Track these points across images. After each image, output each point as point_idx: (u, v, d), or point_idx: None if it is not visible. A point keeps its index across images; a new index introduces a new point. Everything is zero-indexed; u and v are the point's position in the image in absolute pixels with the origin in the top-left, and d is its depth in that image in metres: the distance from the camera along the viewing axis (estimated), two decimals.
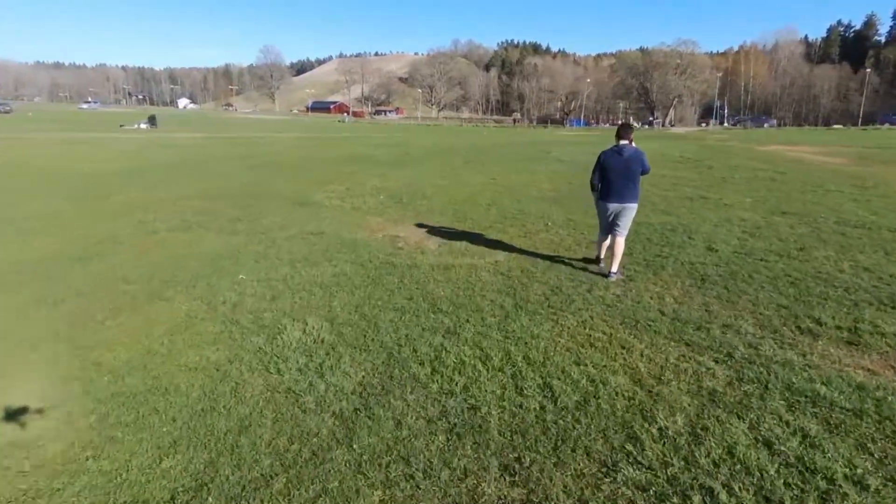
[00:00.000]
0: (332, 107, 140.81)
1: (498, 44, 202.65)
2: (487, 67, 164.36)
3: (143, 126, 41.14)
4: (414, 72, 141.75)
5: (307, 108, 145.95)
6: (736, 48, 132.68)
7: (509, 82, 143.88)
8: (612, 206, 5.94)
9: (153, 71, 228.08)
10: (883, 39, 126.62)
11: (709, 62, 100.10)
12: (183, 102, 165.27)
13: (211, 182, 13.58)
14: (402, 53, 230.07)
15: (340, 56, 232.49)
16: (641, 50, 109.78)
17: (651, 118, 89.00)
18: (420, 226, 8.77)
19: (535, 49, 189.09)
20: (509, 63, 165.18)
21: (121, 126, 41.07)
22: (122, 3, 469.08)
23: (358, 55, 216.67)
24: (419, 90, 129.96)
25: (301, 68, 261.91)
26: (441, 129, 69.37)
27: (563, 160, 19.74)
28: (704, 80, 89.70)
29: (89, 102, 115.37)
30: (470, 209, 10.20)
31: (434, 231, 8.37)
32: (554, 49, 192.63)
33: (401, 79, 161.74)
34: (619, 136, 5.99)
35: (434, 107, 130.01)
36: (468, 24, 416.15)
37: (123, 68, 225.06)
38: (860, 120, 75.76)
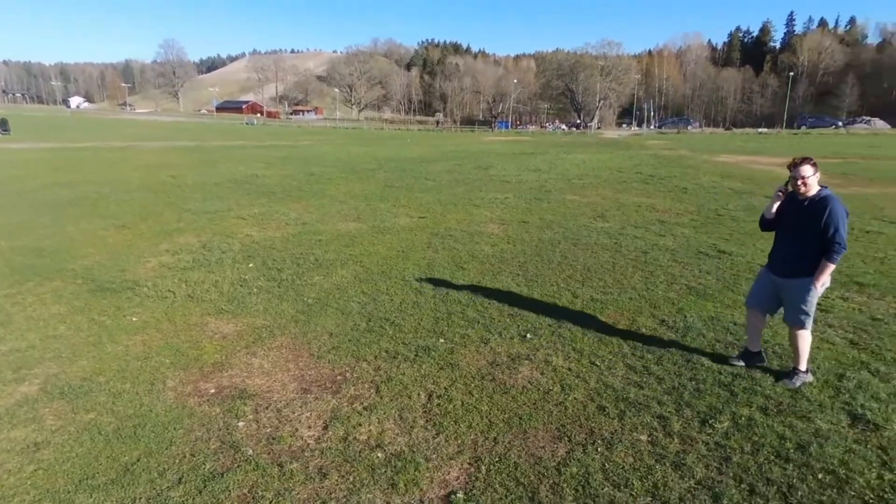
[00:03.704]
0: (244, 107, 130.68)
1: (418, 43, 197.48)
2: (409, 67, 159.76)
3: None
4: (332, 70, 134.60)
5: (216, 108, 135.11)
6: (648, 52, 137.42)
7: (431, 82, 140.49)
8: None
9: (42, 66, 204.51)
10: (778, 45, 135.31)
11: (633, 64, 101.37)
12: (76, 101, 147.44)
13: None
14: (320, 51, 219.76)
15: (254, 53, 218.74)
16: (564, 51, 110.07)
17: (579, 120, 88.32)
18: (297, 350, 4.70)
19: (456, 49, 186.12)
20: (431, 63, 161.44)
21: None
22: None
23: (273, 52, 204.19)
24: (337, 90, 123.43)
25: (211, 65, 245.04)
26: (360, 133, 64.57)
27: (509, 181, 15.89)
28: (629, 81, 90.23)
29: None
30: (388, 293, 6.20)
31: (321, 370, 4.32)
32: (475, 49, 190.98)
33: (319, 77, 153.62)
34: None
35: (354, 107, 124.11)
36: (387, 23, 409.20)
37: (5, 63, 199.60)
38: (784, 122, 78.62)
